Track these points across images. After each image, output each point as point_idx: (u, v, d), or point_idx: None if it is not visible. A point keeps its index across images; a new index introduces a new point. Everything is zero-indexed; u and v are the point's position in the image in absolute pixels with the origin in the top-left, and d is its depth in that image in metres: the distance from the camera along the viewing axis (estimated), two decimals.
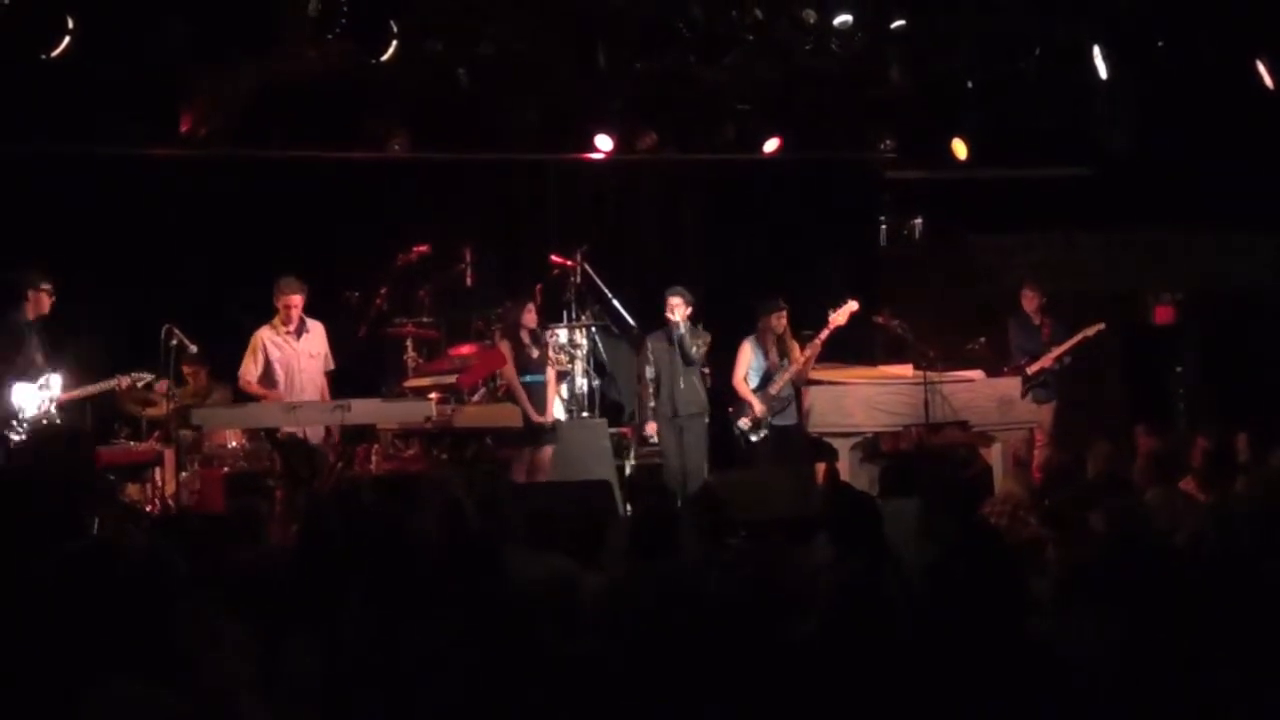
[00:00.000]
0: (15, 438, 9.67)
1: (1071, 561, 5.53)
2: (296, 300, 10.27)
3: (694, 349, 11.09)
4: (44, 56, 10.17)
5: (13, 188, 11.48)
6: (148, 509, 10.54)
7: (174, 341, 10.19)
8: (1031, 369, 12.04)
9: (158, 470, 10.84)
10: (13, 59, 10.41)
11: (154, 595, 3.61)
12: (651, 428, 11.32)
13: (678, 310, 11.11)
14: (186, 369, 11.27)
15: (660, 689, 4.31)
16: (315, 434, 10.27)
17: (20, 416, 9.69)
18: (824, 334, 11.28)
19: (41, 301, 9.93)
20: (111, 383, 10.22)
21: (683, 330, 11.11)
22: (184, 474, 10.80)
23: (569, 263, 12.52)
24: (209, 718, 3.57)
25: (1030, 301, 12.41)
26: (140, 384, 10.36)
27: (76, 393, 10.09)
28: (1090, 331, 12.10)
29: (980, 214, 13.92)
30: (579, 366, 12.33)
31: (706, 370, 11.42)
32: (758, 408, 11.31)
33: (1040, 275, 12.88)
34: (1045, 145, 13.21)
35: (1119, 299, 13.42)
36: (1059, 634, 4.50)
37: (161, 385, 10.51)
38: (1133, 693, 4.32)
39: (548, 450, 11.01)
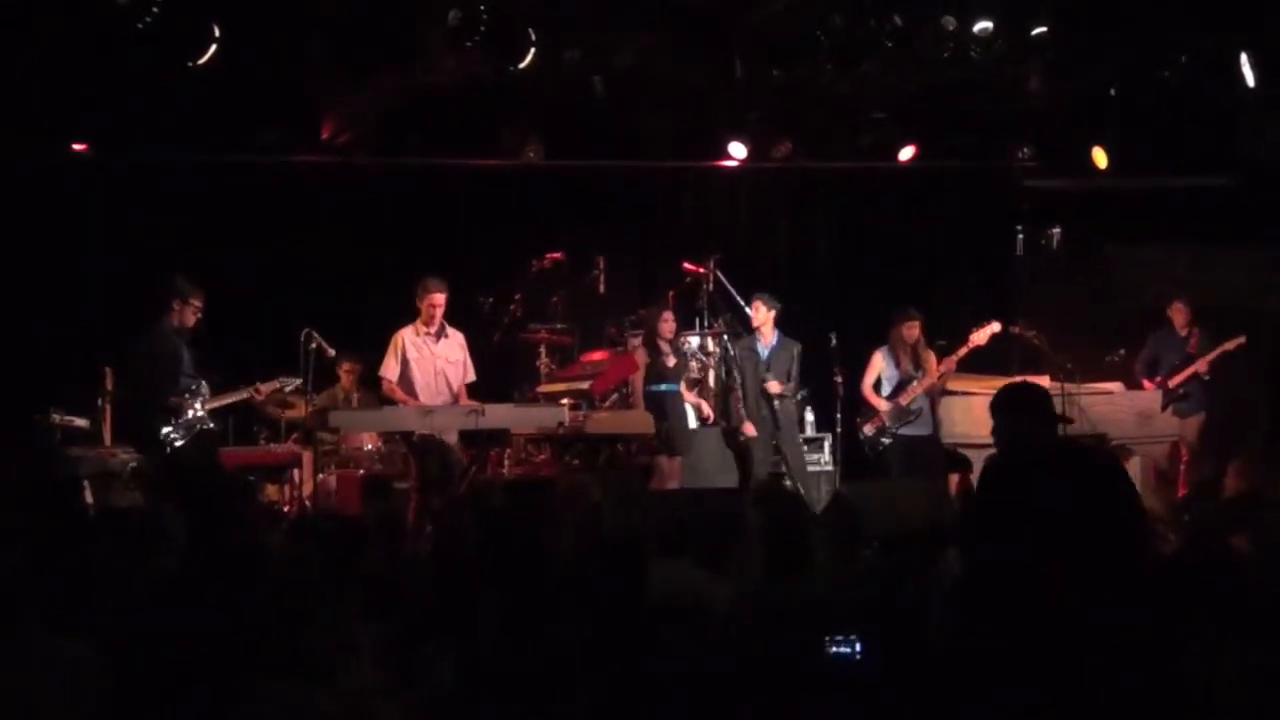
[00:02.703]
0: (176, 438, 9.82)
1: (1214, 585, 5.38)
2: (439, 299, 10.32)
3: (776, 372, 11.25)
4: (190, 65, 10.39)
5: (155, 193, 11.77)
6: (285, 510, 10.71)
7: (313, 345, 10.31)
8: (1173, 381, 11.81)
9: (296, 472, 11.01)
10: (160, 67, 10.64)
11: (293, 598, 3.65)
12: (749, 428, 11.33)
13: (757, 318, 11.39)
14: (345, 365, 11.56)
15: (791, 701, 4.28)
16: (450, 438, 10.34)
17: (176, 421, 9.81)
18: (962, 351, 11.20)
19: (185, 315, 9.96)
20: (255, 386, 10.34)
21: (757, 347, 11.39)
22: (321, 475, 10.95)
23: (701, 270, 12.49)
24: None
25: (1180, 315, 12.17)
26: (287, 389, 10.48)
27: (223, 399, 10.22)
28: (1230, 345, 11.89)
29: (1120, 224, 13.66)
30: (711, 375, 12.31)
31: (839, 378, 11.44)
32: (883, 411, 11.25)
33: (1181, 288, 12.61)
34: (1189, 155, 12.94)
35: (1263, 315, 13.08)
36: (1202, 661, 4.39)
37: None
38: None
39: (678, 458, 11.02)
